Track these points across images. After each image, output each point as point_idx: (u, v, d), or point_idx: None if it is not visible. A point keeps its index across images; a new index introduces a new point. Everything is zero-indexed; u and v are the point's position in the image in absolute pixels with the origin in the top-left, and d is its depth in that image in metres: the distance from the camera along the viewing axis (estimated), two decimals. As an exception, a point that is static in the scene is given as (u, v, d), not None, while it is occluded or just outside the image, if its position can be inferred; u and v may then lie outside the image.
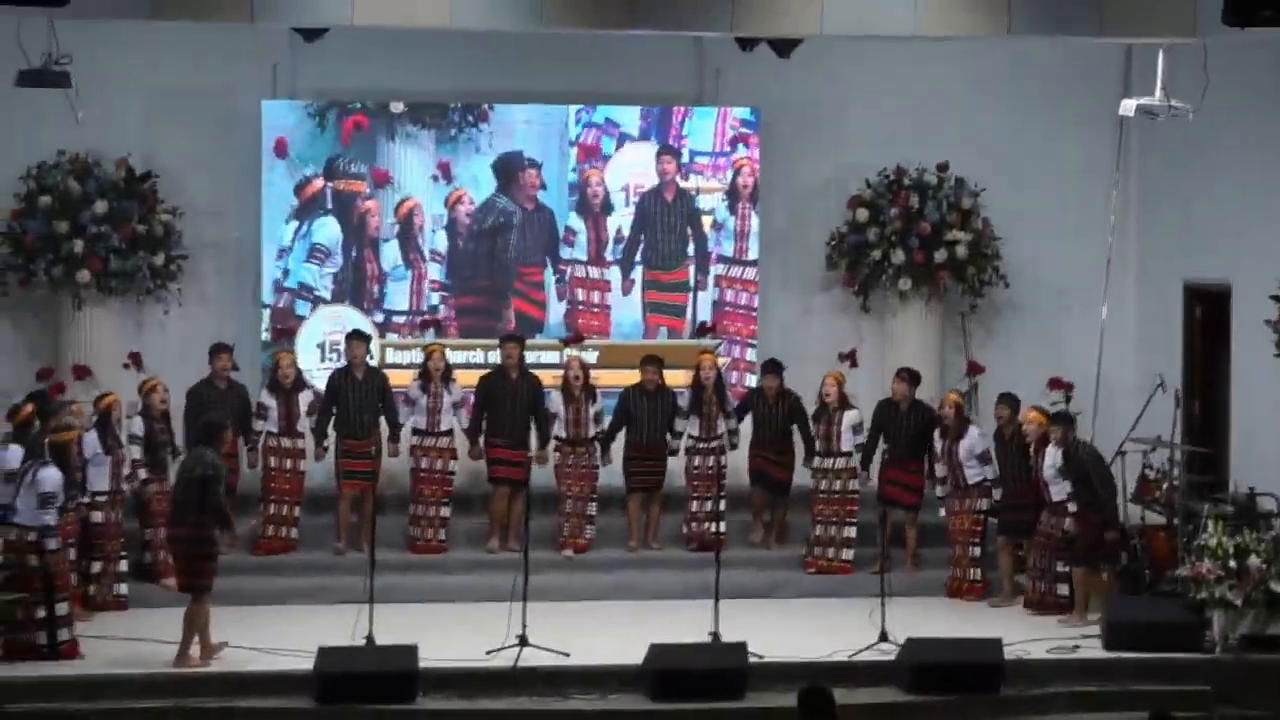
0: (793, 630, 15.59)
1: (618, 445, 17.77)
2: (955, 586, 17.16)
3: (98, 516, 15.79)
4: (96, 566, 15.91)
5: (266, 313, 18.51)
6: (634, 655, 14.31)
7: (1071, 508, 16.12)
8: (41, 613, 14.38)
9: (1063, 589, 16.33)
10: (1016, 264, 19.21)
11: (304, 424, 17.29)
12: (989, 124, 19.32)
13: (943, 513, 17.27)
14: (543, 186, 18.91)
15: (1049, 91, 19.43)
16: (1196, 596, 15.07)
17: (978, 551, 17.11)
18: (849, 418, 17.52)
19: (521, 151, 18.89)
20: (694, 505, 17.67)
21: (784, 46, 16.84)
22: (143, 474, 16.42)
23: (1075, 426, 16.59)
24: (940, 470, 17.24)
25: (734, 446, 17.83)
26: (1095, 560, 16.11)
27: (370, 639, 14.38)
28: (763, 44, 16.81)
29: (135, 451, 16.41)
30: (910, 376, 17.63)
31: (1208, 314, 18.65)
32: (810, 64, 17.74)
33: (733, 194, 19.09)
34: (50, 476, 14.39)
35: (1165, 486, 16.85)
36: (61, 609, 14.49)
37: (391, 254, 18.77)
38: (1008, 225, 19.12)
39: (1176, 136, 17.78)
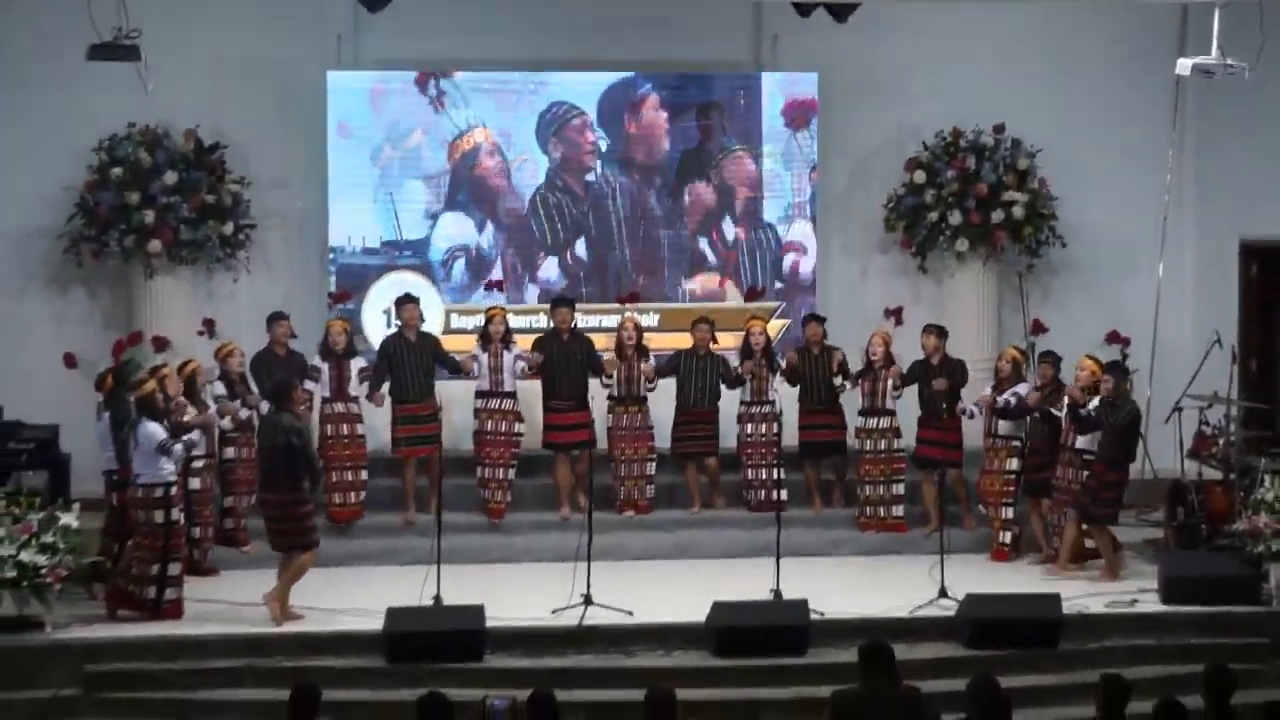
0: (853, 587, 15.62)
1: (669, 405, 17.71)
2: (997, 552, 16.98)
3: (195, 483, 15.82)
4: (196, 532, 15.97)
5: (332, 279, 18.58)
6: (697, 613, 14.33)
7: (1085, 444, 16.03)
8: (155, 570, 14.56)
9: (1089, 541, 16.24)
10: (1073, 224, 19.13)
11: (355, 389, 17.21)
12: (1045, 85, 19.25)
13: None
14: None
15: (1105, 52, 19.34)
16: (1253, 550, 15.03)
17: (1009, 514, 16.93)
18: (892, 377, 17.40)
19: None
20: (749, 474, 17.64)
21: (841, 11, 16.81)
22: (228, 450, 16.49)
23: (1130, 379, 16.45)
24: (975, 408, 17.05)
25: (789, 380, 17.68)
26: (1107, 519, 15.98)
27: (438, 599, 14.47)
28: (820, 8, 16.78)
29: (226, 421, 16.46)
30: (939, 331, 17.45)
31: (1264, 271, 18.61)
32: (866, 28, 17.68)
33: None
34: (151, 430, 14.54)
35: (1222, 442, 16.77)
36: (173, 569, 14.68)
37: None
38: (1064, 185, 19.05)
39: (1232, 95, 17.68)
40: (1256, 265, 18.68)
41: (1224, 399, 16.92)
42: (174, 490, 14.67)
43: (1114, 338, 17.68)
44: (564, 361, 17.46)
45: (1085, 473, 16.02)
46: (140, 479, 14.61)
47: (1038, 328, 18.56)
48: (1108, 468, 15.86)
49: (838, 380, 17.49)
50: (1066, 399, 16.15)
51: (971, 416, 17.04)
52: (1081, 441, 16.15)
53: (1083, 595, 15.14)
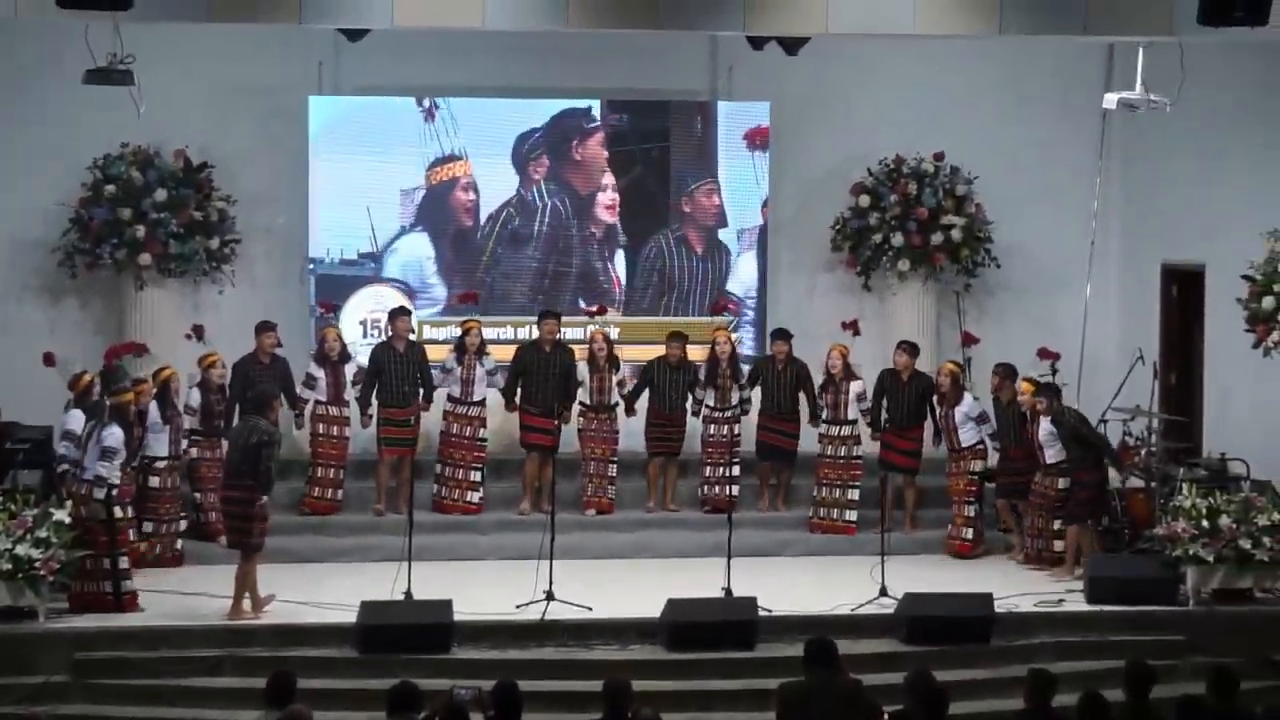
0: (799, 586, 15.66)
1: (641, 406, 17.76)
2: (950, 545, 17.19)
3: (154, 481, 15.93)
4: (148, 526, 16.05)
5: (312, 289, 18.52)
6: (652, 609, 14.36)
7: (1064, 471, 16.17)
8: (106, 564, 14.50)
9: (1058, 545, 16.33)
10: (1007, 246, 19.19)
11: (350, 393, 17.34)
12: (982, 116, 19.30)
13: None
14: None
15: (1037, 86, 19.38)
16: (1172, 554, 15.09)
17: (971, 511, 17.13)
18: (854, 387, 17.57)
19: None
20: (708, 470, 17.72)
21: (792, 44, 16.82)
22: (192, 451, 16.52)
23: (1061, 395, 16.59)
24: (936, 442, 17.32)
25: (745, 413, 17.83)
26: (1085, 517, 16.12)
27: (408, 594, 14.45)
28: (772, 42, 16.80)
29: (188, 421, 16.50)
30: (911, 349, 17.64)
31: (1183, 292, 18.63)
32: (816, 61, 17.67)
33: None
34: (113, 433, 14.54)
35: (1144, 452, 16.87)
36: (123, 562, 14.62)
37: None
38: (999, 210, 19.11)
39: (1155, 128, 17.77)
40: (1176, 287, 18.73)
41: (1146, 411, 16.98)
42: (115, 491, 14.61)
43: (1045, 354, 17.67)
44: (542, 372, 17.51)
45: (1061, 482, 16.24)
46: (85, 474, 14.59)
47: (968, 339, 18.56)
48: (1082, 470, 16.06)
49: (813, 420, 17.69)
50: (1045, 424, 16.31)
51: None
52: (1049, 456, 16.35)
53: (1013, 594, 15.18)
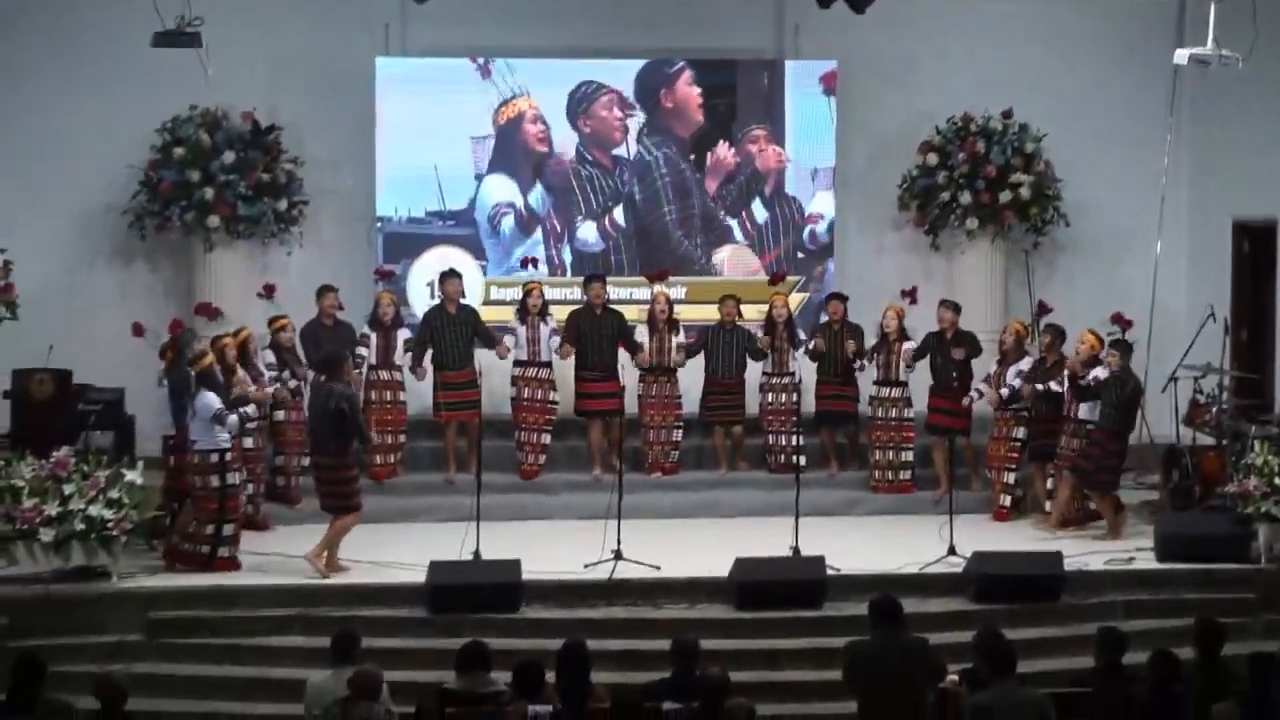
0: (867, 545, 15.60)
1: (697, 376, 17.73)
2: (998, 512, 16.93)
3: (249, 442, 15.80)
4: (250, 489, 15.97)
5: (380, 249, 18.58)
6: (720, 568, 14.37)
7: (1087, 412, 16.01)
8: (210, 530, 14.63)
9: (1090, 504, 16.25)
10: (1076, 204, 19.05)
11: (400, 358, 17.26)
12: (1050, 74, 19.17)
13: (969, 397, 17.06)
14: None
15: (1108, 43, 19.28)
16: (1243, 511, 15.00)
17: (1011, 478, 16.94)
18: (907, 349, 17.41)
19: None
20: (770, 439, 17.66)
21: (859, 3, 16.75)
22: (279, 413, 16.52)
23: (1131, 355, 16.37)
24: (983, 388, 17.00)
25: (809, 354, 17.62)
26: (1109, 486, 15.98)
27: (477, 554, 14.52)
28: (840, 1, 16.73)
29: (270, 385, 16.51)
30: (954, 307, 17.39)
31: (1255, 248, 18.53)
32: (883, 20, 17.56)
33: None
34: (209, 401, 14.57)
35: (1215, 410, 16.75)
36: (228, 529, 14.72)
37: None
38: (1068, 168, 18.97)
39: (1226, 84, 17.60)
40: (1248, 243, 18.61)
41: (1217, 369, 16.87)
42: (229, 455, 14.70)
43: (1118, 319, 17.55)
44: (595, 335, 17.48)
45: (1086, 441, 15.99)
46: (197, 445, 14.65)
47: (1043, 309, 18.41)
48: (1109, 436, 15.83)
49: (856, 364, 17.48)
50: (1067, 371, 16.13)
51: (972, 402, 17.01)
52: (1083, 411, 16.12)
53: (1083, 553, 15.13)
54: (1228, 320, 17.53)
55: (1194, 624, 11.16)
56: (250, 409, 15.07)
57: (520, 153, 18.85)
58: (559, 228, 18.92)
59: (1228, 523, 15.18)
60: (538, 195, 18.87)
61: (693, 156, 18.97)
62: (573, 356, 17.47)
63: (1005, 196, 18.70)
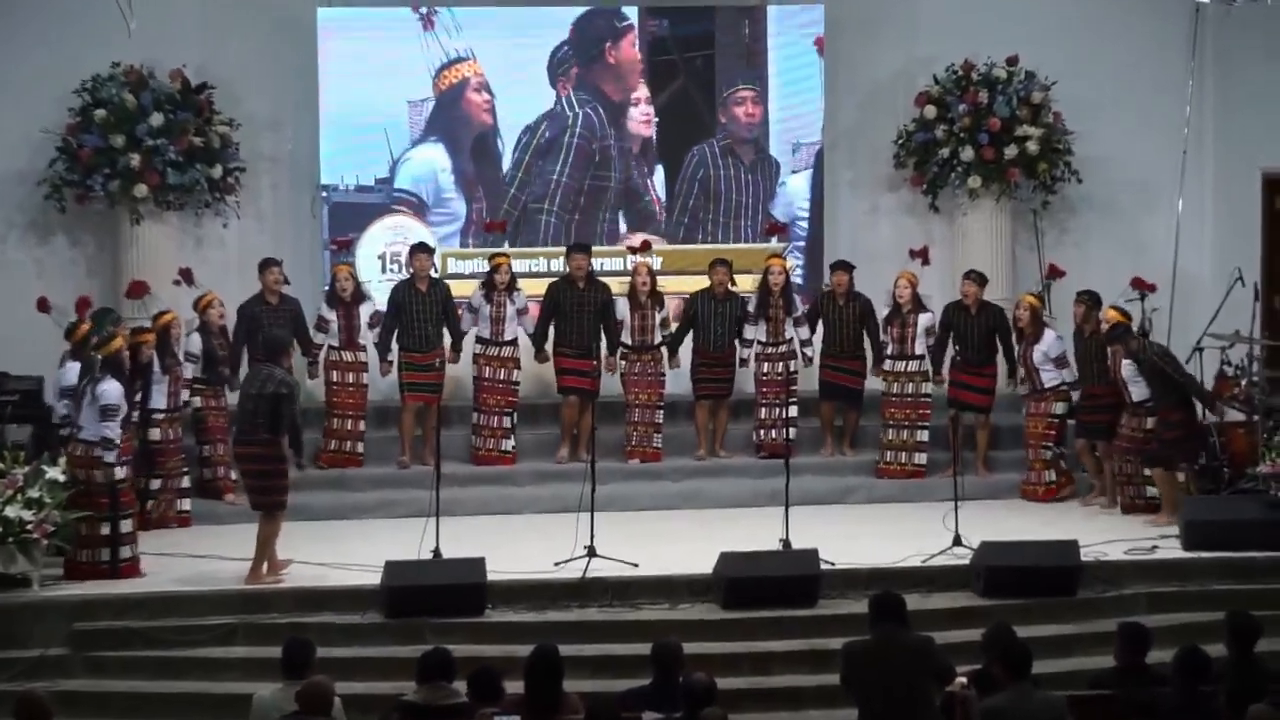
0: (865, 536, 15.64)
1: (686, 350, 17.81)
2: (1029, 491, 17.21)
3: (155, 434, 15.89)
4: (155, 484, 16.06)
5: (325, 221, 18.54)
6: (704, 564, 14.34)
7: (1147, 403, 16.08)
8: (106, 530, 14.54)
9: (1151, 491, 16.31)
10: (1089, 159, 19.05)
11: (365, 336, 17.37)
12: (1059, 15, 19.17)
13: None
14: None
15: (1121, -20, 19.33)
16: (1276, 493, 15.06)
17: (1049, 455, 17.14)
18: (923, 320, 17.57)
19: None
20: (763, 412, 17.73)
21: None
22: (195, 401, 16.54)
23: (1139, 333, 16.44)
24: (1020, 373, 17.25)
25: (808, 361, 17.85)
26: (1172, 460, 16.04)
27: (437, 552, 14.48)
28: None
29: (189, 370, 16.50)
30: (979, 278, 17.58)
31: (1287, 203, 18.59)
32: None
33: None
34: (109, 390, 14.48)
35: (1244, 383, 16.76)
36: (125, 526, 14.63)
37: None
38: (1079, 119, 18.96)
39: (1253, 24, 17.65)
40: (1279, 198, 18.66)
41: (1246, 338, 16.90)
42: (111, 450, 14.52)
43: (1139, 284, 17.47)
44: (576, 310, 17.52)
45: (1149, 421, 16.14)
46: (83, 434, 14.56)
47: (1053, 272, 18.37)
48: (1168, 409, 15.94)
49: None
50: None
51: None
52: (1137, 395, 16.26)
53: (1101, 541, 15.15)
54: (1257, 284, 17.55)
55: (1225, 618, 11.15)
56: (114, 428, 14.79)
57: (460, 123, 18.83)
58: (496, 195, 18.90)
59: (1260, 507, 15.22)
60: (468, 164, 18.85)
61: (657, 122, 18.94)
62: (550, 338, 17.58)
63: (1011, 151, 18.70)
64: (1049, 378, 17.05)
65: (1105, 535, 15.44)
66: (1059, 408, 17.06)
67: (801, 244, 19.16)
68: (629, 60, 18.93)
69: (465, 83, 18.77)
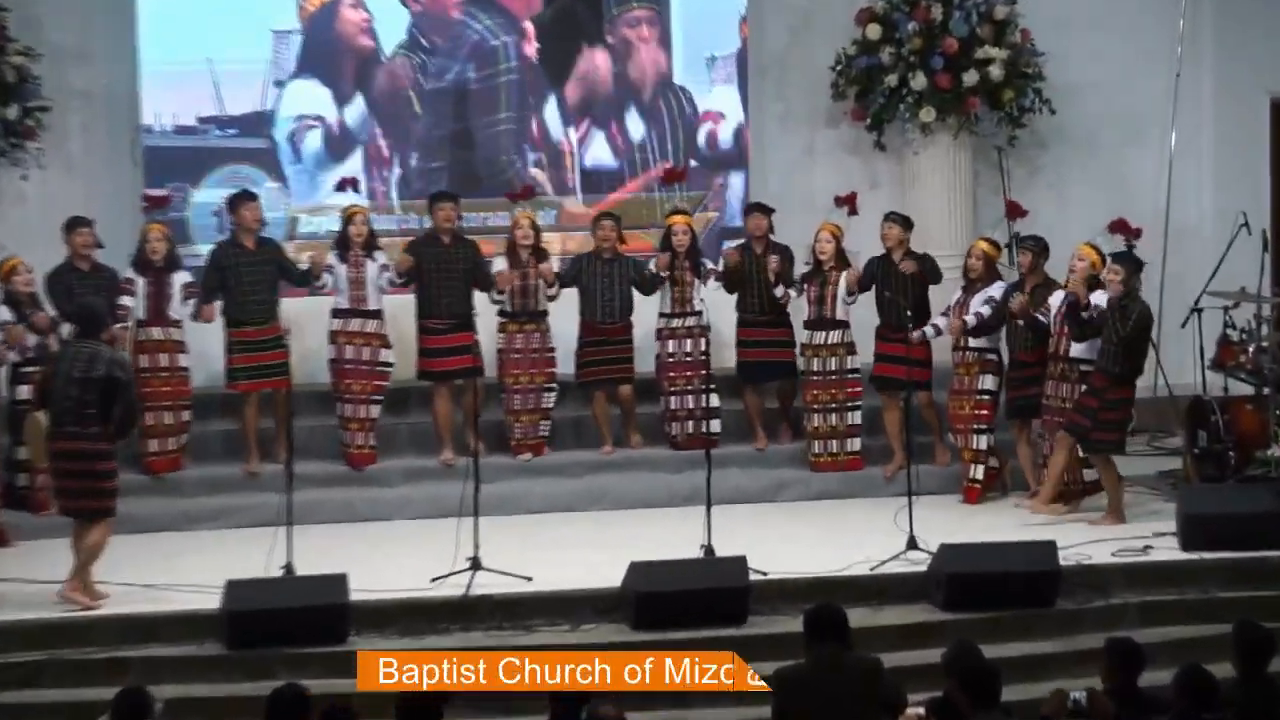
0: (802, 540, 15.68)
1: (571, 325, 17.74)
2: (967, 489, 17.07)
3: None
4: (-49, 493, 15.96)
5: (141, 168, 18.52)
6: (610, 577, 14.39)
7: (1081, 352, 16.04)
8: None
9: (1088, 474, 16.30)
10: (1064, 86, 19.22)
11: (178, 309, 17.11)
12: (1027, -88, 19.27)
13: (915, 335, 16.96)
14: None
15: None
16: (1293, 481, 15.17)
17: (984, 442, 16.98)
18: (847, 280, 17.43)
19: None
20: (672, 402, 17.70)
21: None
22: (22, 389, 16.34)
23: (1140, 274, 16.26)
24: (941, 322, 17.03)
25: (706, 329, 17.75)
26: (1109, 448, 16.02)
27: (289, 568, 14.41)
28: None
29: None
30: (901, 221, 17.43)
31: (1301, 137, 18.73)
32: None
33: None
34: None
35: (1252, 349, 16.88)
36: None
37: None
38: (1052, 38, 19.11)
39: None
40: (1291, 130, 18.85)
41: (1253, 296, 16.98)
42: None
43: (1120, 227, 17.34)
44: (443, 271, 17.43)
45: (1082, 387, 16.00)
46: None
47: (1014, 211, 18.39)
48: (1110, 382, 15.83)
49: (778, 290, 17.46)
50: (1063, 295, 16.08)
51: (925, 340, 17.04)
52: (1077, 349, 16.11)
53: (1084, 541, 15.22)
54: (1266, 232, 17.66)
55: (1232, 631, 11.20)
56: None
57: (338, 51, 18.83)
58: (385, 150, 18.89)
59: (1272, 497, 15.30)
60: (357, 110, 18.84)
61: (539, 48, 19.02)
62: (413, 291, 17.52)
63: (970, 78, 18.79)
64: (973, 321, 16.76)
65: (1089, 534, 15.53)
66: (987, 381, 16.87)
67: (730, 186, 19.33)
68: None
69: (337, 1, 18.84)
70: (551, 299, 17.55)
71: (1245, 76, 19.22)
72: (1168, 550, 15.19)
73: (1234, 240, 17.48)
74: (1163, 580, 14.80)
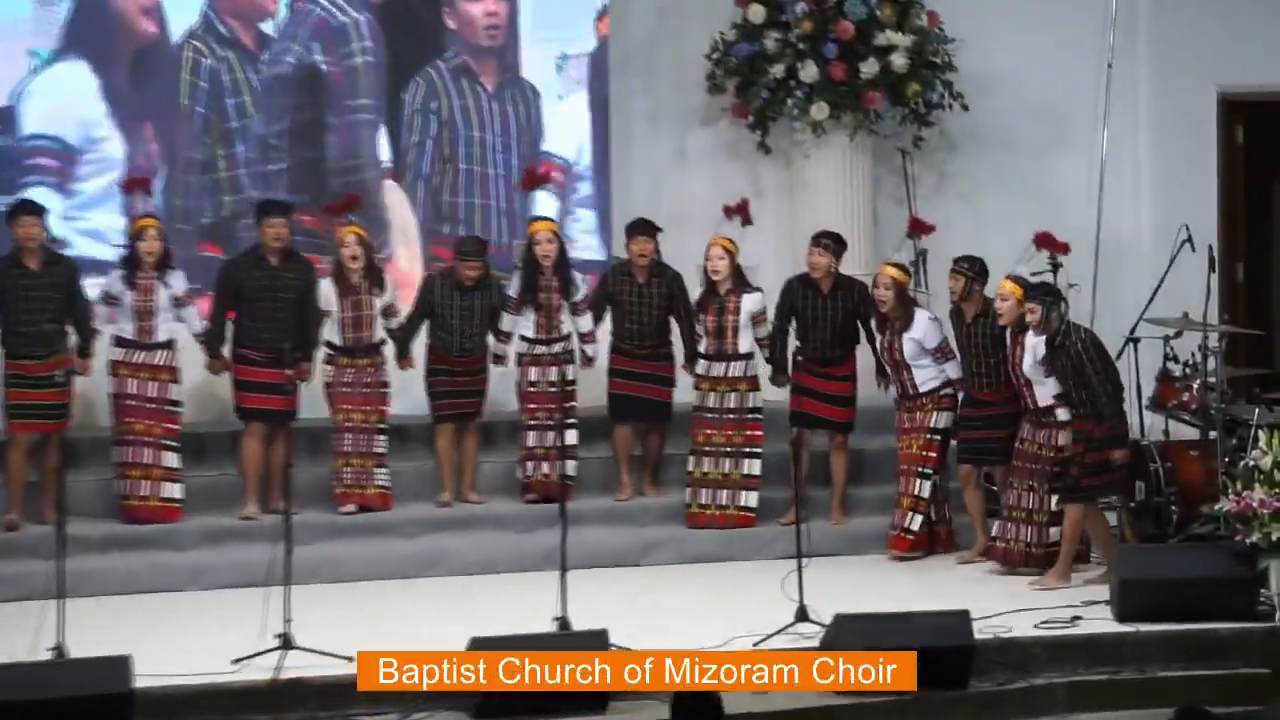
0: (674, 609, 15.69)
1: (420, 347, 17.78)
2: (896, 541, 17.18)
3: None
4: None
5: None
6: (448, 655, 14.30)
7: (1063, 415, 16.05)
8: None
9: (1055, 533, 16.31)
10: (978, 78, 19.35)
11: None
12: (934, -124, 19.37)
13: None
14: None
15: None
16: (1245, 540, 15.07)
17: (925, 488, 17.07)
18: (748, 303, 17.53)
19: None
20: (530, 438, 17.72)
21: None
22: None
23: (1065, 305, 16.31)
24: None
25: (590, 361, 17.89)
26: (1096, 493, 16.06)
27: (60, 650, 14.10)
28: None
29: None
30: (834, 242, 17.52)
31: (1253, 135, 18.67)
32: None
33: None
34: None
35: (1197, 385, 16.86)
36: None
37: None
38: (964, 24, 19.23)
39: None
40: (1243, 129, 18.79)
41: (1199, 323, 16.94)
42: None
43: (1045, 241, 17.41)
44: (266, 296, 17.39)
45: (1060, 434, 16.10)
46: None
47: (918, 228, 18.43)
48: (1087, 423, 15.88)
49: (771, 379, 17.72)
50: (1040, 339, 16.10)
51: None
52: (1042, 397, 16.18)
53: (1003, 612, 15.21)
54: (1213, 249, 17.62)
55: (1173, 718, 11.05)
56: None
57: (110, 31, 18.81)
58: (172, 149, 18.92)
59: (1222, 558, 15.24)
60: (128, 90, 18.87)
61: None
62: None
63: (869, 68, 18.88)
64: (924, 377, 17.06)
65: (1009, 603, 15.51)
66: (941, 419, 17.06)
67: (585, 196, 19.51)
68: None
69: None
70: (390, 332, 17.59)
71: (1187, 66, 19.38)
72: (1100, 621, 15.15)
73: (1176, 258, 17.50)
74: (1094, 657, 14.75)
